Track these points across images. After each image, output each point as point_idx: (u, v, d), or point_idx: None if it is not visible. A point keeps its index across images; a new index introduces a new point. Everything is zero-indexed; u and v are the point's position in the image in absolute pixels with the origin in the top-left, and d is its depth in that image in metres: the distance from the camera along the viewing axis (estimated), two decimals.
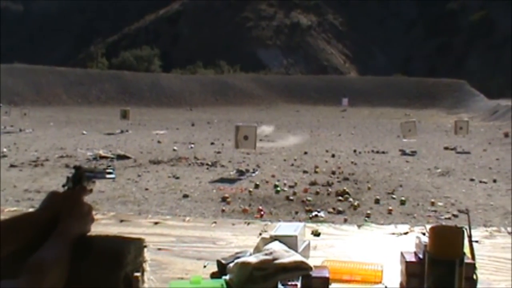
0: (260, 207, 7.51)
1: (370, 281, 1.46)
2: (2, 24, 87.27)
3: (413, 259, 1.33)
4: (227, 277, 1.38)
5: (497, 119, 28.28)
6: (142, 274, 1.25)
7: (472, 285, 1.29)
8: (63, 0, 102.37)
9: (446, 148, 15.53)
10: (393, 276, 1.44)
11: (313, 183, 9.41)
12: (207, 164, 11.65)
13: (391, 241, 1.84)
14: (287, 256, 1.38)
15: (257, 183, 9.29)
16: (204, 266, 1.59)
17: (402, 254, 1.39)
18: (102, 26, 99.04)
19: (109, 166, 11.00)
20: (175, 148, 14.69)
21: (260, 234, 1.85)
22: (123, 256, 1.20)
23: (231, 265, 1.41)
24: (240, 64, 66.54)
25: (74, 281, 1.11)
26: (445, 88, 46.23)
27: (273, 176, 10.17)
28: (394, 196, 8.42)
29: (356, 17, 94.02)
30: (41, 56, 73.64)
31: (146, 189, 8.84)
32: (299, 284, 1.31)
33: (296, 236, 1.52)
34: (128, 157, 12.49)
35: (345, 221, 6.71)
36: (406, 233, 1.93)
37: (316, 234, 1.89)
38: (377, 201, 8.02)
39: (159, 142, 16.49)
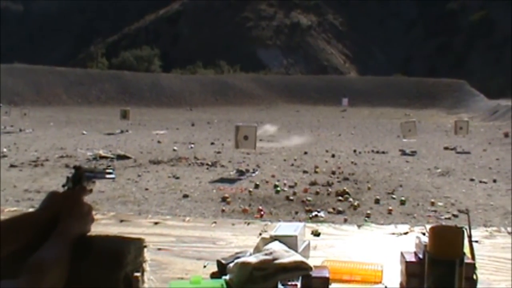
0: (260, 207, 7.52)
1: (370, 281, 1.46)
2: (2, 24, 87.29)
3: (413, 259, 1.33)
4: (227, 277, 1.38)
5: (497, 119, 28.29)
6: (142, 274, 1.25)
7: (472, 285, 1.29)
8: (63, 0, 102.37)
9: (446, 148, 15.53)
10: (393, 276, 1.44)
11: (313, 183, 9.41)
12: (207, 164, 11.65)
13: (391, 241, 1.84)
14: (287, 256, 1.38)
15: (257, 183, 9.29)
16: (204, 266, 1.59)
17: (402, 254, 1.39)
18: (102, 26, 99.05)
19: (109, 166, 11.00)
20: (175, 148, 14.69)
21: (260, 234, 1.85)
22: (123, 256, 1.20)
23: (231, 265, 1.41)
24: (240, 64, 66.54)
25: (74, 281, 1.11)
26: (445, 88, 46.24)
27: (273, 176, 10.17)
28: (394, 196, 8.42)
29: (356, 17, 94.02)
30: (41, 56, 73.65)
31: (146, 189, 8.84)
32: (299, 284, 1.31)
33: (296, 236, 1.52)
34: (128, 157, 12.49)
35: (345, 221, 6.72)
36: (406, 233, 1.93)
37: (316, 234, 1.89)
38: (377, 201, 8.02)
39: (159, 142, 16.49)
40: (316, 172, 10.75)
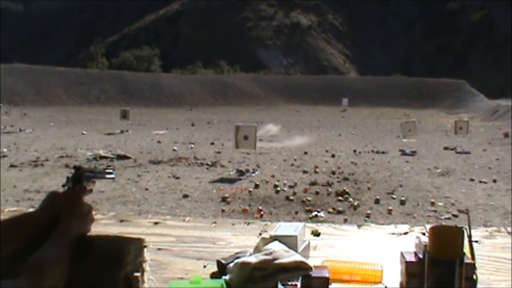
0: (260, 207, 7.51)
1: (370, 281, 1.46)
2: (2, 24, 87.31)
3: (413, 259, 1.33)
4: (227, 277, 1.38)
5: (497, 119, 28.29)
6: (142, 274, 1.25)
7: (472, 285, 1.29)
8: (63, 0, 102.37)
9: (446, 148, 15.53)
10: (393, 276, 1.44)
11: (313, 183, 9.41)
12: (207, 164, 11.64)
13: (391, 241, 1.84)
14: (287, 256, 1.38)
15: (257, 183, 9.29)
16: (204, 266, 1.59)
17: (402, 254, 1.39)
18: (102, 26, 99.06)
19: (109, 166, 11.00)
20: (175, 148, 14.69)
21: (260, 234, 1.85)
22: (123, 256, 1.20)
23: (231, 265, 1.42)
24: (240, 64, 66.54)
25: (74, 281, 1.11)
26: (445, 88, 46.24)
27: (273, 176, 10.17)
28: (394, 196, 8.42)
29: (356, 17, 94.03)
30: (41, 56, 73.66)
31: (146, 189, 8.84)
32: (299, 284, 1.31)
33: (296, 236, 1.52)
34: (128, 157, 12.49)
35: (345, 221, 6.72)
36: (406, 233, 1.93)
37: (316, 234, 1.89)
38: (377, 201, 8.02)
39: (159, 142, 16.49)
40: (316, 172, 10.75)
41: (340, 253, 1.69)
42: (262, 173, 10.54)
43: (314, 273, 1.35)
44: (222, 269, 1.46)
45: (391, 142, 17.42)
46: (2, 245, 1.10)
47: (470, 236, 1.39)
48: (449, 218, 7.02)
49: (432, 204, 7.89)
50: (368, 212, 7.36)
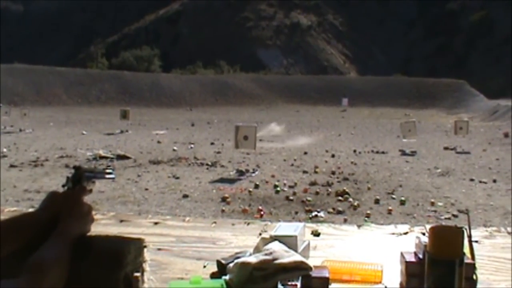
0: (260, 207, 7.51)
1: (370, 281, 1.46)
2: (2, 24, 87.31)
3: (413, 259, 1.33)
4: (227, 277, 1.38)
5: (497, 119, 28.29)
6: (142, 274, 1.25)
7: (472, 285, 1.29)
8: (63, 0, 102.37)
9: (446, 148, 15.53)
10: (393, 276, 1.44)
11: (313, 183, 9.41)
12: (207, 164, 11.64)
13: (391, 241, 1.84)
14: (287, 256, 1.38)
15: (257, 183, 9.29)
16: (204, 266, 1.59)
17: (402, 254, 1.39)
18: (102, 26, 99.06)
19: (109, 166, 11.00)
20: (175, 148, 14.69)
21: (260, 234, 1.85)
22: (123, 256, 1.20)
23: (231, 265, 1.42)
24: (240, 64, 66.55)
25: (74, 281, 1.11)
26: (445, 88, 46.24)
27: (273, 176, 10.17)
28: (394, 196, 8.42)
29: (356, 17, 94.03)
30: (41, 56, 73.66)
31: (146, 189, 8.84)
32: (299, 284, 1.31)
33: (296, 236, 1.52)
34: (128, 157, 12.49)
35: (345, 221, 6.71)
36: (406, 233, 1.93)
37: (316, 234, 1.89)
38: (377, 201, 8.02)
39: (159, 142, 16.49)
40: (316, 172, 10.75)
41: (340, 253, 1.69)
42: (262, 173, 10.54)
43: (314, 273, 1.35)
44: (222, 269, 1.46)
45: (391, 142, 17.42)
46: (2, 245, 1.10)
47: (470, 236, 1.39)
48: (449, 218, 7.02)
49: (432, 204, 7.89)
50: (368, 212, 7.36)
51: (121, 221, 2.08)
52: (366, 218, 6.99)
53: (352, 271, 1.48)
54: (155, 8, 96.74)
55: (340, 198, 8.21)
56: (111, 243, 1.24)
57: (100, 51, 72.33)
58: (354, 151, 14.53)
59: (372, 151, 14.69)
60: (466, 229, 1.32)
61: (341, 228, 2.03)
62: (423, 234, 1.73)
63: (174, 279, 1.49)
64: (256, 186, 9.05)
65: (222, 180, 9.78)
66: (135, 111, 26.28)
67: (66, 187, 1.25)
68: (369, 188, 9.05)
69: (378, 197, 8.26)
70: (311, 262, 1.40)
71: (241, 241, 1.82)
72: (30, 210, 1.33)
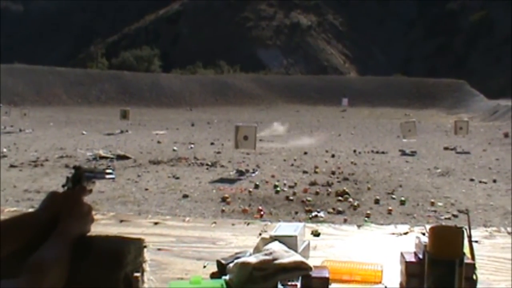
0: (260, 207, 7.51)
1: (370, 281, 1.46)
2: (2, 24, 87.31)
3: (413, 259, 1.33)
4: (227, 277, 1.38)
5: (497, 119, 28.30)
6: (142, 274, 1.25)
7: (472, 285, 1.29)
8: (63, 0, 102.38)
9: (446, 148, 15.52)
10: (393, 276, 1.44)
11: (313, 183, 9.41)
12: (207, 164, 11.64)
13: (391, 241, 1.84)
14: (287, 256, 1.38)
15: (257, 183, 9.29)
16: (204, 266, 1.59)
17: (402, 254, 1.39)
18: (102, 26, 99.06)
19: (109, 166, 11.00)
20: (175, 148, 14.69)
21: (260, 234, 1.85)
22: (123, 256, 1.20)
23: (231, 265, 1.42)
24: (240, 64, 66.55)
25: (74, 281, 1.11)
26: (445, 88, 46.24)
27: (273, 176, 10.17)
28: (394, 196, 8.42)
29: (356, 17, 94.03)
30: (41, 56, 73.68)
31: (146, 189, 8.84)
32: (299, 284, 1.31)
33: (296, 236, 1.52)
34: (128, 157, 12.49)
35: (345, 221, 6.71)
36: (406, 233, 1.93)
37: (316, 234, 1.89)
38: (377, 201, 8.02)
39: (159, 142, 16.49)
40: (316, 172, 10.75)
41: (340, 253, 1.69)
42: (262, 173, 10.54)
43: (314, 273, 1.35)
44: (222, 269, 1.46)
45: (391, 142, 17.42)
46: (2, 245, 1.10)
47: (470, 236, 1.39)
48: (449, 218, 7.02)
49: (432, 204, 7.89)
50: (368, 212, 7.36)
51: (121, 221, 2.08)
52: (366, 218, 6.99)
53: (352, 271, 1.48)
54: (155, 8, 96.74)
55: (340, 198, 8.21)
56: (111, 243, 1.24)
57: (100, 51, 72.35)
58: (354, 151, 14.53)
59: (372, 151, 14.69)
60: (466, 229, 1.32)
61: (341, 228, 2.03)
62: (423, 234, 1.73)
63: (174, 279, 1.49)
64: (256, 186, 9.05)
65: (222, 180, 9.78)
66: (135, 111, 26.28)
67: (66, 187, 1.25)
68: (369, 188, 9.05)
69: (378, 197, 8.26)
70: (311, 262, 1.40)
71: (241, 241, 1.82)
72: (30, 210, 1.33)
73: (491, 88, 50.10)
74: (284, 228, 1.61)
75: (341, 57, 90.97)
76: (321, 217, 7.06)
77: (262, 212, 7.25)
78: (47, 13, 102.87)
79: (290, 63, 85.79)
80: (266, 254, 1.40)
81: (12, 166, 11.16)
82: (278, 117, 28.75)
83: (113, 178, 9.66)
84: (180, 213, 7.07)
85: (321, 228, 1.97)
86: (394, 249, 1.53)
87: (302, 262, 1.37)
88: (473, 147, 15.95)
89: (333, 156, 13.43)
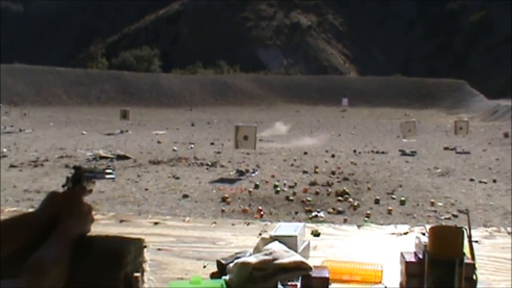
0: (260, 207, 7.51)
1: (370, 281, 1.46)
2: (2, 24, 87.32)
3: (413, 259, 1.33)
4: (227, 277, 1.38)
5: (497, 119, 28.30)
6: (142, 274, 1.25)
7: (472, 285, 1.29)
8: (63, 0, 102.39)
9: (446, 148, 15.52)
10: (393, 276, 1.44)
11: (313, 183, 9.41)
12: (207, 164, 11.64)
13: (391, 241, 1.84)
14: (287, 256, 1.38)
15: (257, 183, 9.29)
16: (204, 266, 1.59)
17: (402, 254, 1.39)
18: (102, 26, 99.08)
19: (109, 166, 11.00)
20: (175, 148, 14.69)
21: (260, 234, 1.85)
22: (123, 256, 1.20)
23: (231, 265, 1.42)
24: (240, 64, 66.57)
25: (74, 281, 1.11)
26: (445, 88, 46.25)
27: (273, 176, 10.17)
28: (394, 196, 8.42)
29: (356, 17, 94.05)
30: (41, 56, 73.69)
31: (146, 189, 8.84)
32: (299, 284, 1.31)
33: (296, 236, 1.52)
34: (128, 157, 12.49)
35: (345, 221, 6.71)
36: (406, 233, 1.92)
37: (316, 234, 1.89)
38: (377, 201, 8.02)
39: (159, 142, 16.49)
40: (316, 172, 10.75)
41: (340, 253, 1.69)
42: (262, 173, 10.54)
43: (314, 273, 1.35)
44: (222, 269, 1.46)
45: (391, 142, 17.42)
46: (2, 245, 1.10)
47: (470, 236, 1.39)
48: (449, 218, 7.02)
49: (432, 204, 7.89)
50: (368, 212, 7.36)
51: (121, 221, 2.08)
52: (366, 218, 6.99)
53: (352, 271, 1.48)
54: (155, 8, 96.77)
55: (340, 198, 8.21)
56: (111, 243, 1.24)
57: (100, 51, 72.36)
58: (354, 151, 14.53)
59: (372, 151, 14.69)
60: (466, 229, 1.32)
61: (341, 228, 2.03)
62: (423, 234, 1.73)
63: (174, 279, 1.49)
64: (256, 186, 9.05)
65: (222, 180, 9.78)
66: (135, 111, 26.28)
67: (66, 187, 1.25)
68: (369, 188, 9.05)
69: (378, 197, 8.26)
70: (311, 262, 1.40)
71: (241, 241, 1.82)
72: (30, 210, 1.33)
73: (491, 88, 50.12)
74: (284, 228, 1.61)
75: (341, 57, 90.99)
76: (321, 217, 7.06)
77: (262, 212, 7.25)
78: (47, 13, 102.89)
79: (290, 63, 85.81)
80: (266, 254, 1.40)
81: (12, 166, 11.16)
82: (278, 117, 28.76)
83: (113, 178, 9.66)
84: (180, 213, 7.07)
85: (321, 228, 1.97)
86: (394, 249, 1.53)
87: (302, 262, 1.37)
88: (473, 147, 15.95)
89: (333, 156, 13.43)
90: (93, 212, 1.25)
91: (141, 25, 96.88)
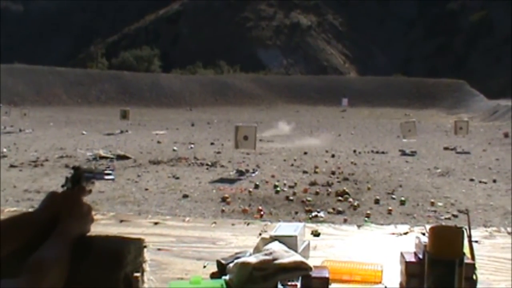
0: (260, 207, 7.51)
1: (370, 281, 1.46)
2: (2, 24, 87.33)
3: (413, 259, 1.33)
4: (227, 277, 1.38)
5: (497, 119, 28.30)
6: (142, 274, 1.25)
7: (472, 285, 1.29)
8: (63, 0, 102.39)
9: (446, 148, 15.52)
10: (393, 276, 1.44)
11: (313, 183, 9.41)
12: (207, 164, 11.64)
13: (391, 241, 1.84)
14: (287, 256, 1.38)
15: (257, 183, 9.29)
16: (204, 266, 1.59)
17: (402, 254, 1.39)
18: (102, 26, 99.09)
19: (108, 167, 10.99)
20: (175, 148, 14.69)
21: (260, 234, 1.85)
22: (123, 256, 1.20)
23: (231, 265, 1.41)
24: (240, 64, 66.58)
25: (74, 281, 1.11)
26: (445, 88, 46.25)
27: (273, 176, 10.17)
28: (394, 196, 8.42)
29: (356, 17, 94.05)
30: (41, 56, 73.69)
31: (146, 189, 8.84)
32: (299, 284, 1.31)
33: (296, 236, 1.52)
34: (128, 157, 12.49)
35: (345, 221, 6.71)
36: (406, 233, 1.92)
37: (316, 234, 1.89)
38: (377, 201, 8.02)
39: (159, 142, 16.49)
40: (316, 172, 10.75)
41: (340, 253, 1.68)
42: (262, 173, 10.54)
43: (314, 273, 1.35)
44: (222, 269, 1.46)
45: (391, 142, 17.42)
46: (2, 244, 1.10)
47: (470, 236, 1.39)
48: (449, 218, 7.02)
49: (432, 204, 7.89)
50: (368, 212, 7.36)
51: (121, 221, 2.08)
52: (366, 218, 6.99)
53: (352, 271, 1.48)
54: (155, 8, 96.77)
55: (340, 198, 8.22)
56: (111, 243, 1.24)
57: (100, 51, 72.38)
58: (354, 151, 14.53)
59: (372, 151, 14.69)
60: (466, 229, 1.32)
61: (341, 228, 2.03)
62: (423, 234, 1.73)
63: (174, 279, 1.49)
64: (256, 186, 9.05)
65: (222, 180, 9.78)
66: (135, 111, 26.29)
67: (65, 187, 1.25)
68: (369, 188, 9.05)
69: (378, 197, 8.26)
70: (311, 262, 1.40)
71: (241, 241, 1.82)
72: (30, 210, 1.33)
73: (491, 88, 50.12)
74: (284, 228, 1.61)
75: (341, 57, 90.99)
76: (321, 217, 7.06)
77: (262, 212, 7.25)
78: (47, 13, 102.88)
79: (290, 63, 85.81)
80: (266, 254, 1.40)
81: (12, 166, 11.16)
82: (278, 117, 28.77)
83: (112, 179, 9.66)
84: (180, 213, 7.07)
85: (321, 228, 1.97)
86: (394, 249, 1.53)
87: (302, 262, 1.37)
88: (473, 147, 15.95)
89: (333, 156, 13.43)
90: (93, 212, 1.26)
91: (141, 25, 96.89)
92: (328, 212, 7.36)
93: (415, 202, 8.08)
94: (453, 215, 7.20)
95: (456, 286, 1.17)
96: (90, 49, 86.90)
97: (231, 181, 9.74)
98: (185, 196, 8.30)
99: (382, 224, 3.35)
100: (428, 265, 1.20)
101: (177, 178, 9.93)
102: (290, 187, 9.08)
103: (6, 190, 8.48)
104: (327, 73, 72.87)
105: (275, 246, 1.44)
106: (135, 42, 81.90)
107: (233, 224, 2.05)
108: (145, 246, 1.28)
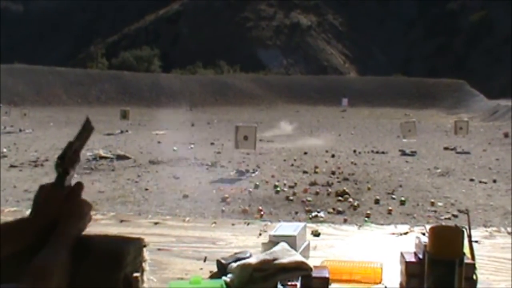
0: (260, 207, 7.51)
1: (370, 281, 1.46)
2: (2, 24, 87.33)
3: (413, 259, 1.33)
4: (227, 277, 1.38)
5: (497, 119, 28.29)
6: (142, 274, 1.25)
7: (472, 285, 1.29)
8: (63, 0, 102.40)
9: (446, 148, 15.52)
10: (393, 276, 1.44)
11: (313, 183, 9.41)
12: (207, 164, 11.64)
13: (391, 241, 1.84)
14: (287, 256, 1.38)
15: (257, 183, 9.29)
16: (201, 268, 1.58)
17: (402, 254, 1.39)
18: (102, 26, 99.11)
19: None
20: (175, 148, 14.68)
21: (260, 234, 1.85)
22: (123, 256, 1.20)
23: (232, 265, 1.41)
24: (240, 64, 66.57)
25: (73, 281, 1.11)
26: (445, 88, 46.23)
27: (273, 176, 10.17)
28: (394, 196, 8.42)
29: (356, 17, 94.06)
30: (41, 56, 73.72)
31: (146, 189, 8.84)
32: (299, 284, 1.31)
33: (295, 236, 1.52)
34: (128, 157, 12.49)
35: (345, 221, 6.71)
36: (406, 233, 1.92)
37: (316, 234, 1.89)
38: (377, 201, 8.02)
39: (159, 142, 16.48)
40: (316, 172, 10.75)
41: (340, 253, 1.69)
42: (262, 173, 10.54)
43: (314, 273, 1.35)
44: (222, 269, 1.46)
45: (391, 142, 17.42)
46: (2, 244, 1.10)
47: (470, 236, 1.39)
48: (449, 218, 7.02)
49: (432, 204, 7.89)
50: (368, 212, 7.36)
51: (121, 221, 2.08)
52: (366, 218, 6.99)
53: (352, 271, 1.48)
54: (155, 8, 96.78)
55: (340, 198, 8.22)
56: (111, 243, 1.24)
57: (100, 51, 72.37)
58: (354, 151, 14.53)
59: (372, 151, 14.68)
60: (466, 229, 1.32)
61: (341, 228, 2.03)
62: (423, 234, 1.73)
63: (174, 279, 1.49)
64: (256, 186, 9.05)
65: (222, 180, 9.78)
66: (135, 111, 26.28)
67: (56, 179, 1.22)
68: (369, 188, 9.05)
69: (378, 197, 8.26)
70: (311, 262, 1.40)
71: (241, 241, 1.82)
72: (30, 210, 1.33)
73: (491, 88, 50.14)
74: (284, 228, 1.61)
75: (341, 57, 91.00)
76: (321, 217, 7.06)
77: (262, 212, 7.25)
78: (47, 13, 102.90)
79: (290, 63, 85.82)
80: (266, 254, 1.40)
81: (12, 166, 11.16)
82: (278, 117, 28.76)
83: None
84: (180, 213, 7.07)
85: (321, 228, 1.97)
86: (394, 249, 1.53)
87: (302, 262, 1.37)
88: (473, 147, 15.95)
89: (333, 156, 13.43)
90: (93, 212, 1.25)
91: (141, 25, 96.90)
92: (328, 212, 7.36)
93: (415, 202, 8.08)
94: (453, 215, 7.20)
95: (456, 286, 1.17)
96: (90, 49, 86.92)
97: (231, 181, 9.74)
98: (185, 196, 8.30)
99: (382, 224, 3.35)
100: (428, 265, 1.20)
101: (177, 178, 9.93)
102: (290, 187, 9.08)
103: (6, 190, 8.48)
104: (327, 73, 72.89)
105: (278, 246, 1.44)
106: (135, 42, 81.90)
107: (233, 224, 2.05)
108: (145, 246, 1.27)
